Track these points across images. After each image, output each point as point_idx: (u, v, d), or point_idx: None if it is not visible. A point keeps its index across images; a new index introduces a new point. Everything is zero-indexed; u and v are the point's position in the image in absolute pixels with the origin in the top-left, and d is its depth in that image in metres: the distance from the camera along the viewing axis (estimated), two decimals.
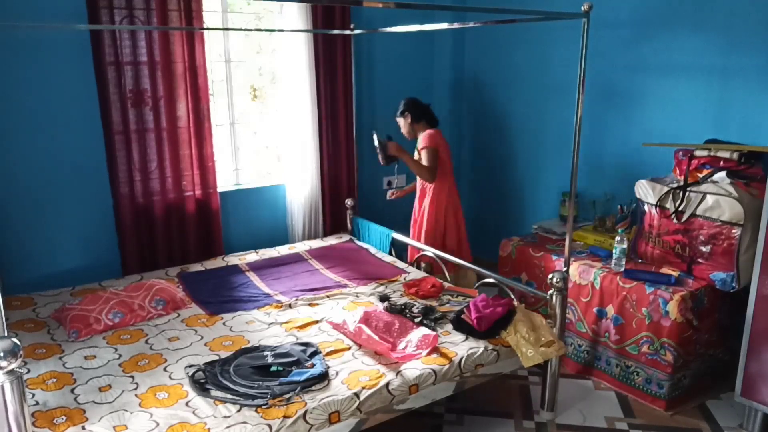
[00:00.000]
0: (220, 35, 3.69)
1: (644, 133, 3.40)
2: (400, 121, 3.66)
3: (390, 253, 3.81)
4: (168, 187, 3.50)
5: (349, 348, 2.53)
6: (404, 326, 2.63)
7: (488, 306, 2.68)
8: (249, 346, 2.56)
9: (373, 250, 3.83)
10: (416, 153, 3.64)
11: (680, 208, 2.84)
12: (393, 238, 3.80)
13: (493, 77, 4.33)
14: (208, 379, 2.26)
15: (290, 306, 2.99)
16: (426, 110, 3.65)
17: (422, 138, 3.54)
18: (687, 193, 2.82)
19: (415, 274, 3.42)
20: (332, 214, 4.16)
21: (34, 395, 2.18)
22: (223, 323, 2.80)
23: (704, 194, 2.75)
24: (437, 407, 2.83)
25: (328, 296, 3.10)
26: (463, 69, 4.54)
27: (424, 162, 3.49)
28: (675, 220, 2.87)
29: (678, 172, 3.03)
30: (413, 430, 2.70)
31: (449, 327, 2.70)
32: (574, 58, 2.46)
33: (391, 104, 4.40)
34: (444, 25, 3.50)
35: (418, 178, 3.68)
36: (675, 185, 2.89)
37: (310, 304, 3.01)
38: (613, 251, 3.04)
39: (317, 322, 2.80)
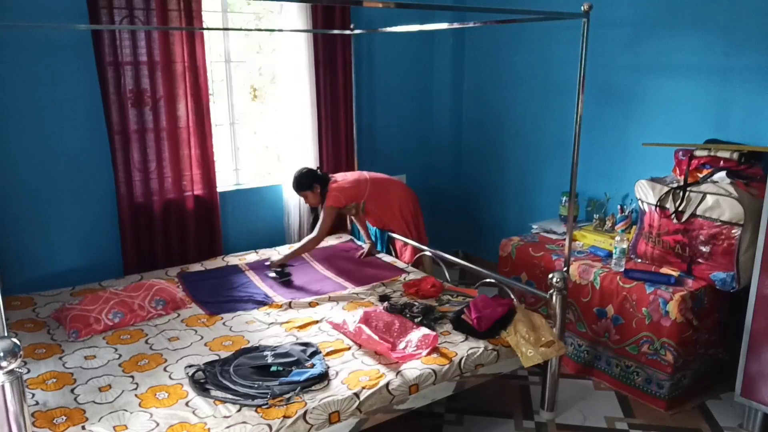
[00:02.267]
0: (220, 35, 3.69)
1: (644, 133, 3.40)
2: (307, 195, 3.55)
3: (389, 253, 3.81)
4: (168, 186, 3.50)
5: (349, 348, 2.53)
6: (404, 326, 2.63)
7: (488, 306, 2.68)
8: (249, 346, 2.56)
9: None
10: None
11: (680, 208, 2.84)
12: (390, 237, 3.81)
13: (493, 77, 4.33)
14: (208, 379, 2.26)
15: (290, 306, 2.99)
16: (322, 174, 3.63)
17: (326, 198, 3.52)
18: (687, 193, 2.82)
19: (415, 274, 3.42)
20: None
21: (34, 395, 2.18)
22: (223, 323, 2.80)
23: (704, 194, 2.75)
24: (437, 407, 2.83)
25: (329, 297, 3.10)
26: (463, 69, 4.54)
27: (320, 222, 3.48)
28: (675, 220, 2.87)
29: (678, 172, 3.03)
30: (413, 430, 2.70)
31: (449, 327, 2.70)
32: (574, 58, 2.46)
33: (392, 104, 4.43)
34: (444, 25, 3.50)
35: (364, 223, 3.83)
36: (675, 185, 2.89)
37: (310, 304, 3.01)
38: (613, 251, 3.04)
39: (317, 322, 2.80)
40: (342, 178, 3.63)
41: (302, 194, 3.58)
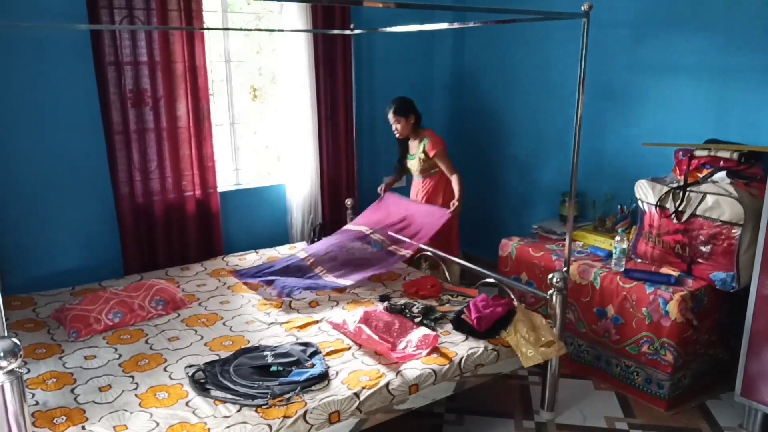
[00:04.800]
0: (220, 35, 3.69)
1: (644, 133, 3.40)
2: (401, 121, 3.63)
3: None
4: (168, 187, 3.50)
5: (349, 348, 2.53)
6: (404, 326, 2.63)
7: (488, 306, 2.68)
8: (249, 346, 2.56)
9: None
10: (418, 156, 3.68)
11: (680, 208, 2.84)
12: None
13: (493, 77, 4.33)
14: (208, 379, 2.26)
15: (290, 306, 2.99)
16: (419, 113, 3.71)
17: (430, 143, 3.60)
18: (687, 193, 2.82)
19: (415, 274, 3.42)
20: (332, 214, 4.17)
21: (34, 395, 2.18)
22: (223, 323, 2.80)
23: (704, 194, 2.75)
24: (437, 407, 2.83)
25: (329, 297, 3.08)
26: (463, 69, 4.54)
27: (447, 168, 3.61)
28: (675, 220, 2.87)
29: (678, 172, 3.03)
30: (413, 430, 2.70)
31: (449, 327, 2.70)
32: (574, 58, 2.46)
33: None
34: (444, 25, 3.50)
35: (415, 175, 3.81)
36: (675, 185, 2.89)
37: (310, 304, 3.01)
38: (613, 251, 3.04)
39: (317, 322, 2.80)
40: None
41: (398, 119, 3.62)
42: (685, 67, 3.20)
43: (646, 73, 3.37)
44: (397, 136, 3.73)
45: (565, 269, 2.67)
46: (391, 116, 3.65)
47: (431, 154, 3.59)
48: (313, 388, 2.20)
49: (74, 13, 3.09)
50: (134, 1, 3.17)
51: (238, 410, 2.08)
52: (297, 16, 3.76)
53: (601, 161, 3.67)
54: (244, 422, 2.02)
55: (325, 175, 4.07)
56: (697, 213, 2.78)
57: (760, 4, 2.87)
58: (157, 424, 2.01)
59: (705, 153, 2.93)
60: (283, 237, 4.06)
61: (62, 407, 2.11)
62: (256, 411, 2.07)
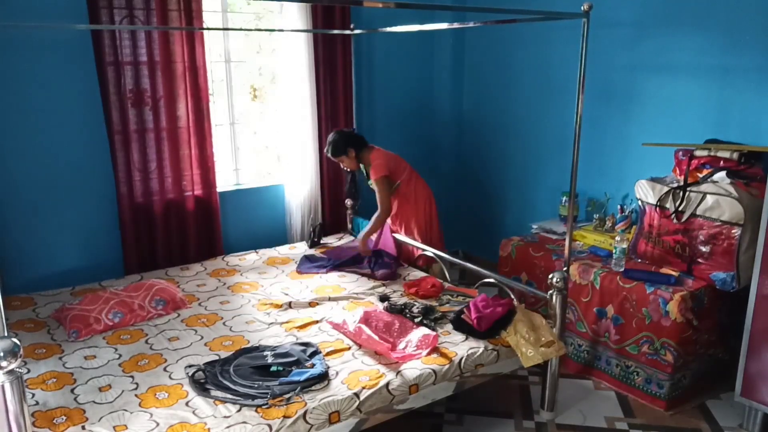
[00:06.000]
0: (220, 35, 3.69)
1: (644, 133, 3.40)
2: (343, 160, 3.56)
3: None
4: (168, 187, 3.50)
5: (349, 348, 2.53)
6: (404, 326, 2.63)
7: (488, 306, 2.68)
8: (249, 346, 2.56)
9: None
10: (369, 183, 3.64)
11: (680, 208, 2.84)
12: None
13: (493, 77, 4.33)
14: (208, 379, 2.26)
15: (290, 306, 2.99)
16: (356, 136, 3.58)
17: (372, 170, 3.49)
18: (687, 193, 2.82)
19: (415, 274, 3.42)
20: (332, 214, 4.17)
21: (34, 395, 2.18)
22: (223, 323, 2.80)
23: (704, 194, 2.75)
24: (437, 407, 2.83)
25: (329, 297, 3.09)
26: (463, 69, 4.54)
27: (378, 197, 3.49)
28: (675, 220, 2.87)
29: (678, 172, 3.03)
30: (413, 430, 2.70)
31: (449, 327, 2.70)
32: (574, 58, 2.46)
33: (392, 104, 4.43)
34: (444, 25, 3.50)
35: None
36: (675, 185, 2.89)
37: (310, 304, 3.00)
38: (613, 251, 3.04)
39: (317, 322, 2.80)
40: (379, 147, 3.60)
41: (338, 159, 3.58)
42: (685, 66, 3.20)
43: (646, 73, 3.37)
44: (347, 171, 3.73)
45: (565, 269, 2.67)
46: (332, 159, 3.62)
47: (372, 180, 3.52)
48: (313, 388, 2.20)
49: (74, 13, 3.09)
50: (134, 1, 3.17)
51: (238, 410, 2.08)
52: (297, 16, 3.76)
53: (601, 161, 3.67)
54: (244, 422, 2.02)
55: (325, 175, 4.07)
56: (697, 213, 2.78)
57: (760, 4, 2.87)
58: (157, 424, 2.01)
59: (705, 153, 2.93)
60: (282, 237, 4.06)
61: (62, 407, 2.11)
62: (256, 411, 2.07)
